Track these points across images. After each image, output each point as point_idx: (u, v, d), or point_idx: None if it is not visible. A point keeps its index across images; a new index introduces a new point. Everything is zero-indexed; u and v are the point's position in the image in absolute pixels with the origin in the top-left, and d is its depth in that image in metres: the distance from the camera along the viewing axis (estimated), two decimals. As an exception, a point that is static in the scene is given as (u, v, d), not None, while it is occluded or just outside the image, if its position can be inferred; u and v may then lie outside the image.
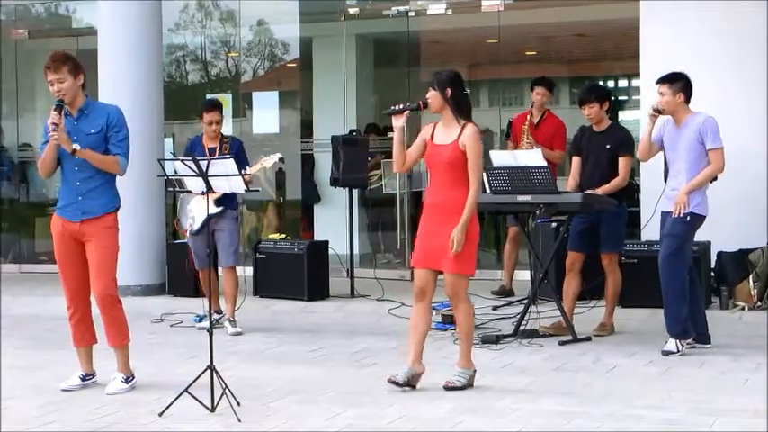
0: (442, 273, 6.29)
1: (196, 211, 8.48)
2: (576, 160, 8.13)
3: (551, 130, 9.47)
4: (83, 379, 6.42)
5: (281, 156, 8.93)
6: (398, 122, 6.34)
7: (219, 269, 8.74)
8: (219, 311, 8.71)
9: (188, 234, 8.69)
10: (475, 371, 6.36)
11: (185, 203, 8.65)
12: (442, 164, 6.28)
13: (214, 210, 8.21)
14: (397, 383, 6.23)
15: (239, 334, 8.42)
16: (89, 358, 6.46)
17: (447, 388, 6.24)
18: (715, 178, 7.35)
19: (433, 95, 6.32)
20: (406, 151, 6.44)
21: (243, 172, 8.34)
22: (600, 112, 7.97)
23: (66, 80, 6.10)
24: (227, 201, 8.41)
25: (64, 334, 6.73)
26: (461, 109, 6.32)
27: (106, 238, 6.21)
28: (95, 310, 6.34)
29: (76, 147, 6.06)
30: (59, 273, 6.32)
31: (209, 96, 11.56)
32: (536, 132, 9.46)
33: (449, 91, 6.29)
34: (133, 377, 6.37)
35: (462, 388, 6.24)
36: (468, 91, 6.51)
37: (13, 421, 5.68)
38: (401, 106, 6.38)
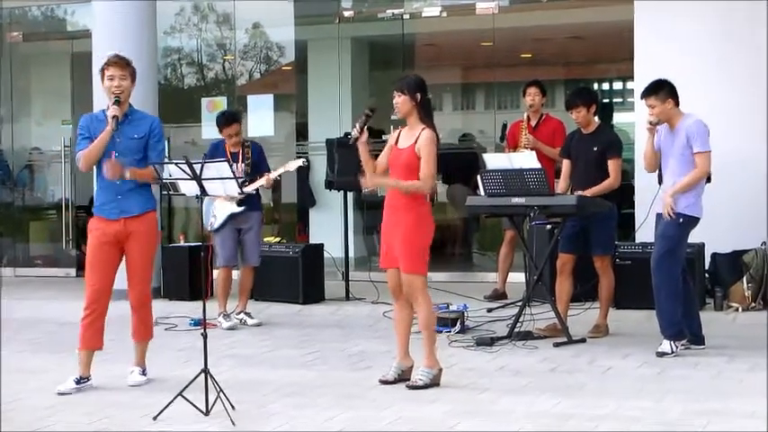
0: None
1: (219, 210, 8.69)
2: (566, 163, 8.17)
3: (550, 131, 9.47)
4: (77, 382, 6.42)
5: (304, 160, 9.20)
6: (362, 139, 6.35)
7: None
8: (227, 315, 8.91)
9: (211, 232, 8.84)
10: (440, 369, 6.38)
11: (209, 205, 8.67)
12: (399, 167, 6.34)
13: (237, 209, 8.65)
14: (388, 382, 6.35)
15: (260, 324, 8.89)
16: (89, 361, 6.49)
17: (409, 387, 6.28)
18: (709, 179, 7.36)
19: (403, 100, 6.34)
20: (378, 160, 6.49)
21: (267, 174, 8.66)
22: (587, 116, 8.00)
23: (127, 78, 6.42)
24: (251, 201, 8.71)
25: (65, 338, 6.73)
26: (427, 113, 6.37)
27: (150, 242, 6.47)
28: (110, 313, 6.46)
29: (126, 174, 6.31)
30: (86, 273, 6.42)
31: (211, 103, 11.55)
32: (535, 135, 9.45)
33: (419, 95, 6.33)
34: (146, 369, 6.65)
35: (425, 387, 6.26)
36: (430, 96, 6.51)
37: (9, 424, 5.68)
38: (355, 130, 6.36)
